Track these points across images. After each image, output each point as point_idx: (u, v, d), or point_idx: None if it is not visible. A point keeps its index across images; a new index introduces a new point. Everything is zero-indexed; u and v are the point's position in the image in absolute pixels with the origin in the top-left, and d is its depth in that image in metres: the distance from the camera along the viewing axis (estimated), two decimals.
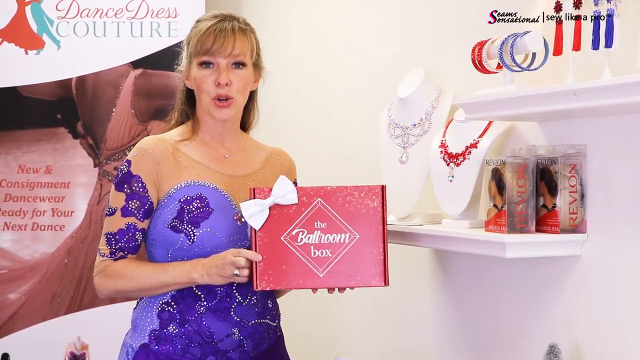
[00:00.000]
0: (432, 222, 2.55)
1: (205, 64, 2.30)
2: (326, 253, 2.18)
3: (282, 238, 2.17)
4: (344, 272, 2.19)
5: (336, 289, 2.22)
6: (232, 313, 2.27)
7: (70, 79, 3.82)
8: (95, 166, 3.82)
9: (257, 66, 2.37)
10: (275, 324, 2.38)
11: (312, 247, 2.18)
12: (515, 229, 2.15)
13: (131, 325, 2.36)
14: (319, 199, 2.19)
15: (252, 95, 2.40)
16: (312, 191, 2.19)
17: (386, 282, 2.20)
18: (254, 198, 2.17)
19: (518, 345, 2.37)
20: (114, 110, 3.83)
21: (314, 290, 2.22)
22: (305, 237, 2.18)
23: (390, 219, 2.61)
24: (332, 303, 3.29)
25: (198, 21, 2.35)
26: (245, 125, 2.44)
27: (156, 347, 2.28)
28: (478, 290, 2.53)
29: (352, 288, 2.21)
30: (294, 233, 2.18)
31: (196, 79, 2.31)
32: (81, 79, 3.82)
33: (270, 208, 2.16)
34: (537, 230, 2.18)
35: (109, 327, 3.42)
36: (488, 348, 2.50)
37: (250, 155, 2.40)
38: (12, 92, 3.79)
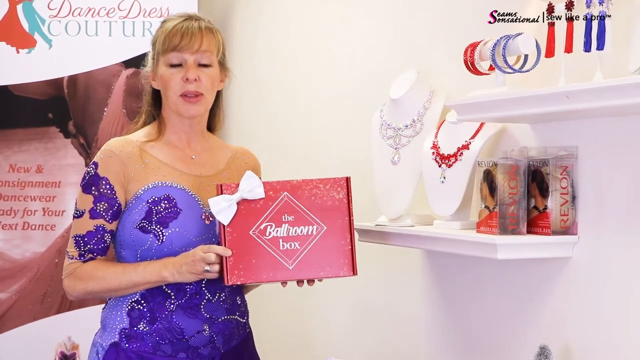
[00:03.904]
0: (424, 223, 2.55)
1: (172, 65, 2.31)
2: (295, 245, 2.21)
3: (250, 232, 2.20)
4: (313, 264, 2.22)
5: (305, 282, 2.25)
6: (202, 310, 2.29)
7: (62, 78, 3.81)
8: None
9: (224, 66, 2.39)
10: (244, 321, 2.40)
11: (280, 240, 2.21)
12: (507, 231, 2.15)
13: (100, 324, 2.37)
14: (286, 192, 2.22)
15: (218, 95, 2.42)
16: (279, 185, 2.22)
17: (354, 272, 2.24)
18: (222, 194, 2.18)
19: (509, 347, 2.38)
20: (105, 109, 3.83)
21: (284, 283, 2.24)
22: (273, 230, 2.21)
23: (381, 219, 2.61)
24: (322, 304, 3.28)
25: (164, 21, 2.38)
26: (211, 125, 2.45)
27: (127, 345, 2.29)
28: (469, 292, 2.53)
29: (320, 280, 2.24)
30: (262, 227, 2.20)
31: (163, 77, 2.32)
32: (73, 78, 3.81)
33: (238, 203, 2.19)
34: (529, 232, 2.18)
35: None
36: (479, 349, 2.50)
37: (215, 155, 2.42)
38: (3, 91, 3.78)
